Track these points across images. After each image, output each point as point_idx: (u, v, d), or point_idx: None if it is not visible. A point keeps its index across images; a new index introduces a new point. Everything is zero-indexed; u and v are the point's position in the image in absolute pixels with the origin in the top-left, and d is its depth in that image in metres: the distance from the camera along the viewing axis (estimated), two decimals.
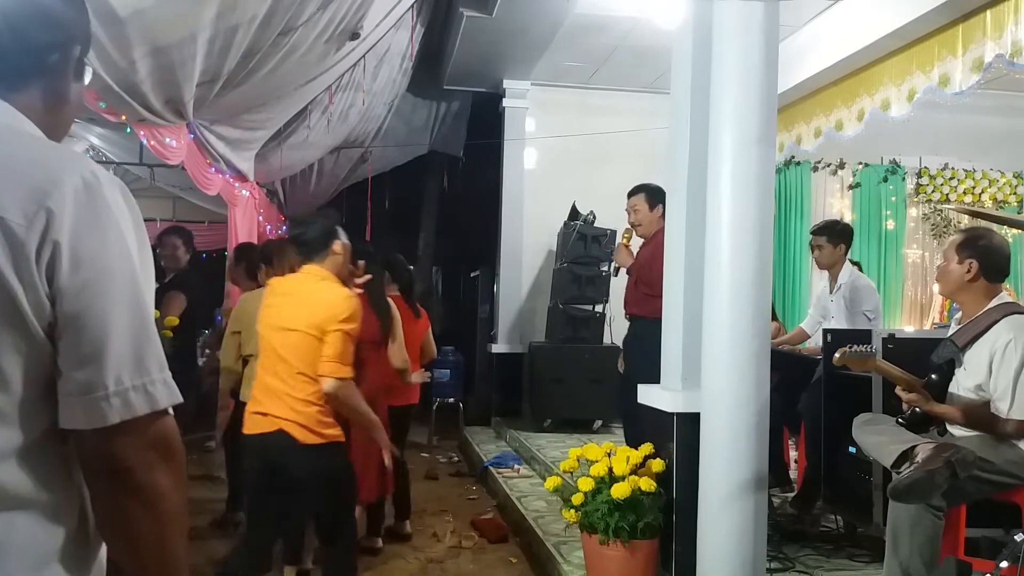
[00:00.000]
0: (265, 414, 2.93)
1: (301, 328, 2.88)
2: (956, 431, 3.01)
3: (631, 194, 4.58)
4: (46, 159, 1.00)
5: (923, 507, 2.70)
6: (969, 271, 3.00)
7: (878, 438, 2.99)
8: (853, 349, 2.94)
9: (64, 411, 0.97)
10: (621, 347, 5.04)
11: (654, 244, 4.36)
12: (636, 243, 4.63)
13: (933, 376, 3.03)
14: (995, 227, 6.51)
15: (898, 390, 2.97)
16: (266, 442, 2.92)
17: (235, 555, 3.10)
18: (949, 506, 2.78)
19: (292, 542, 3.66)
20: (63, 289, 0.95)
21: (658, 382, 3.56)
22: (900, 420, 3.01)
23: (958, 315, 3.18)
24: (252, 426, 2.98)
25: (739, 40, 3.11)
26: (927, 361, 3.12)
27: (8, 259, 0.93)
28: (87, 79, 1.17)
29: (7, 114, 1.04)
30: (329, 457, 2.95)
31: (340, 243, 3.04)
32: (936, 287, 3.39)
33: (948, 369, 3.03)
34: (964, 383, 2.97)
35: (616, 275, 4.82)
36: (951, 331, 3.15)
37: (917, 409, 2.97)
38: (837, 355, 2.97)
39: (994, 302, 2.99)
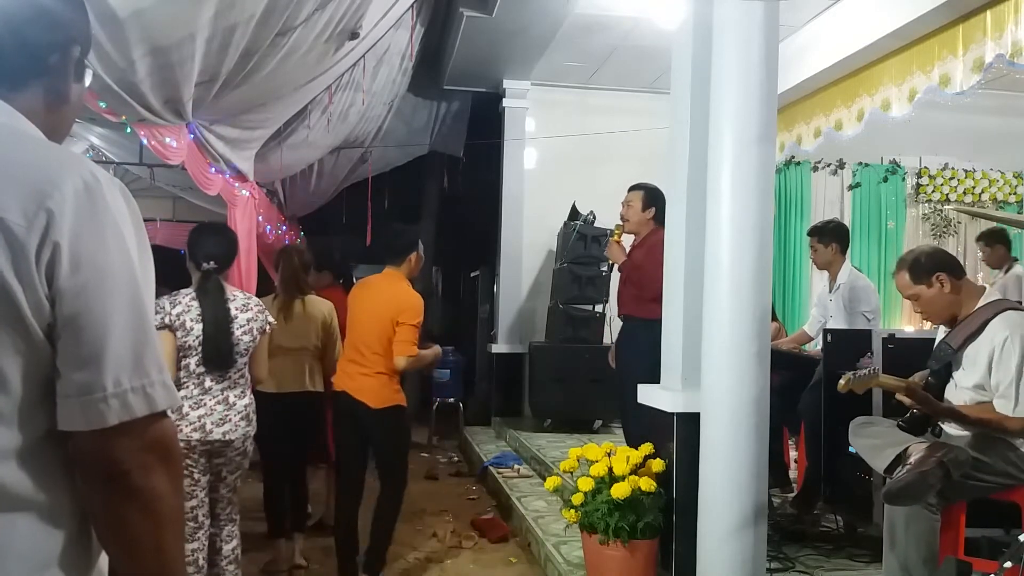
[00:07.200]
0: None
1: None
2: (952, 430, 3.01)
3: (631, 188, 4.58)
4: (46, 160, 1.00)
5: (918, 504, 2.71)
6: (943, 286, 2.95)
7: (872, 441, 2.98)
8: (857, 375, 2.91)
9: (62, 412, 0.97)
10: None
11: (647, 246, 4.35)
12: (627, 241, 4.62)
13: (931, 379, 3.02)
14: (995, 227, 6.54)
15: (899, 396, 2.96)
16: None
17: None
18: (944, 504, 2.78)
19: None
20: (62, 290, 0.95)
21: (648, 382, 3.56)
22: (900, 423, 3.00)
23: None
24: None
25: (739, 40, 3.10)
26: (927, 362, 3.12)
27: (8, 260, 0.93)
28: (87, 80, 1.17)
29: (7, 114, 1.04)
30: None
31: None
32: (938, 330, 3.28)
33: (945, 372, 3.02)
34: (963, 382, 2.95)
35: (611, 271, 4.80)
36: (942, 334, 3.12)
37: (915, 412, 2.97)
38: (842, 382, 2.92)
39: (982, 300, 2.97)
